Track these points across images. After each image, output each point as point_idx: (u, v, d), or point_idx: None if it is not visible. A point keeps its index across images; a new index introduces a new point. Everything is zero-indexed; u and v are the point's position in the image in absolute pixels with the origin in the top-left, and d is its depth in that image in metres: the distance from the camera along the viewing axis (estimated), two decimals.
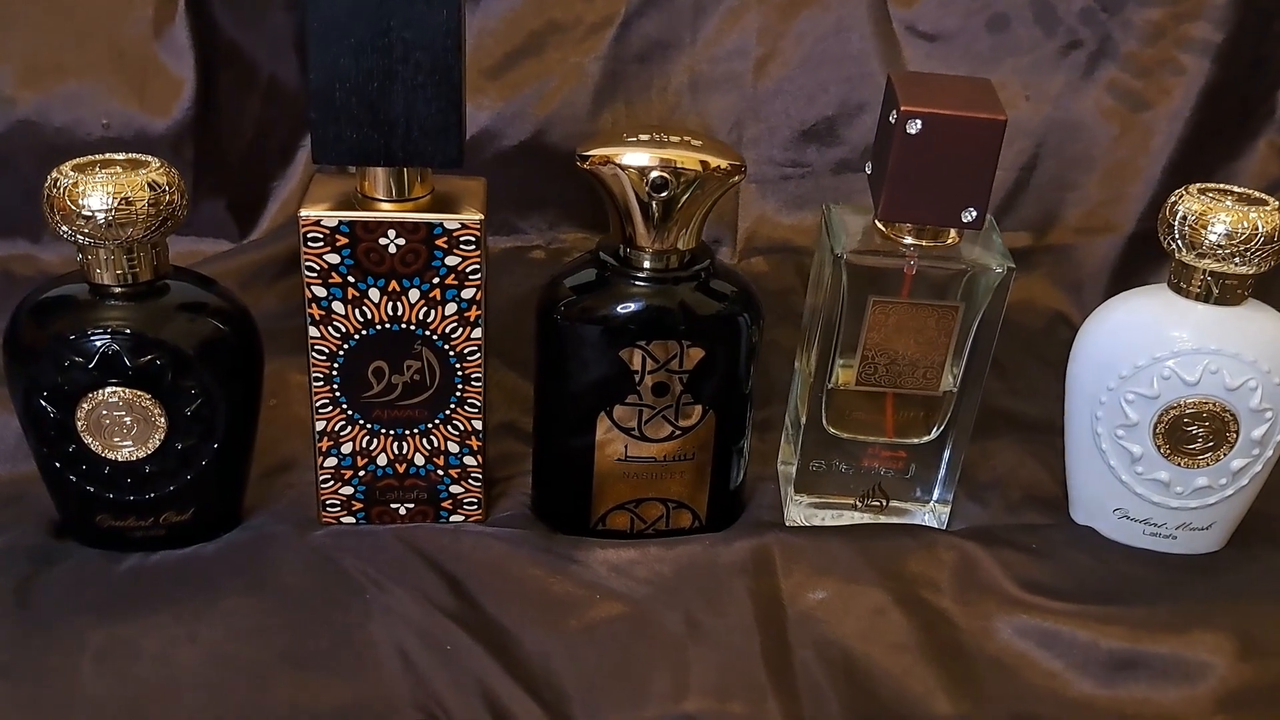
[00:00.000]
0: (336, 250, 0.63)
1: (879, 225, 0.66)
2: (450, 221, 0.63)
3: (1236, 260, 0.65)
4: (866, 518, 0.73)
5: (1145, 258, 0.93)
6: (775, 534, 0.66)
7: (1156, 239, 0.67)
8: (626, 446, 0.67)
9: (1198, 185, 0.68)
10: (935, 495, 0.73)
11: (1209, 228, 0.65)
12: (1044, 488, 0.76)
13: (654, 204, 0.62)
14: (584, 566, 0.64)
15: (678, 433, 0.67)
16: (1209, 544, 0.71)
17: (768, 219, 0.99)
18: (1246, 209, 0.65)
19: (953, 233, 0.65)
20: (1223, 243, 0.64)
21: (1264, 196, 0.67)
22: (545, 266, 0.98)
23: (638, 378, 0.65)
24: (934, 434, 0.71)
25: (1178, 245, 0.66)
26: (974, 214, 0.62)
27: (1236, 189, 0.67)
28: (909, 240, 0.65)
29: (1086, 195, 0.96)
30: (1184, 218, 0.66)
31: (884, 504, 0.72)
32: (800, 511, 0.73)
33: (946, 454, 0.72)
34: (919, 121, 0.61)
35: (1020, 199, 0.96)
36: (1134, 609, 0.62)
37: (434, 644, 0.59)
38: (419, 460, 0.69)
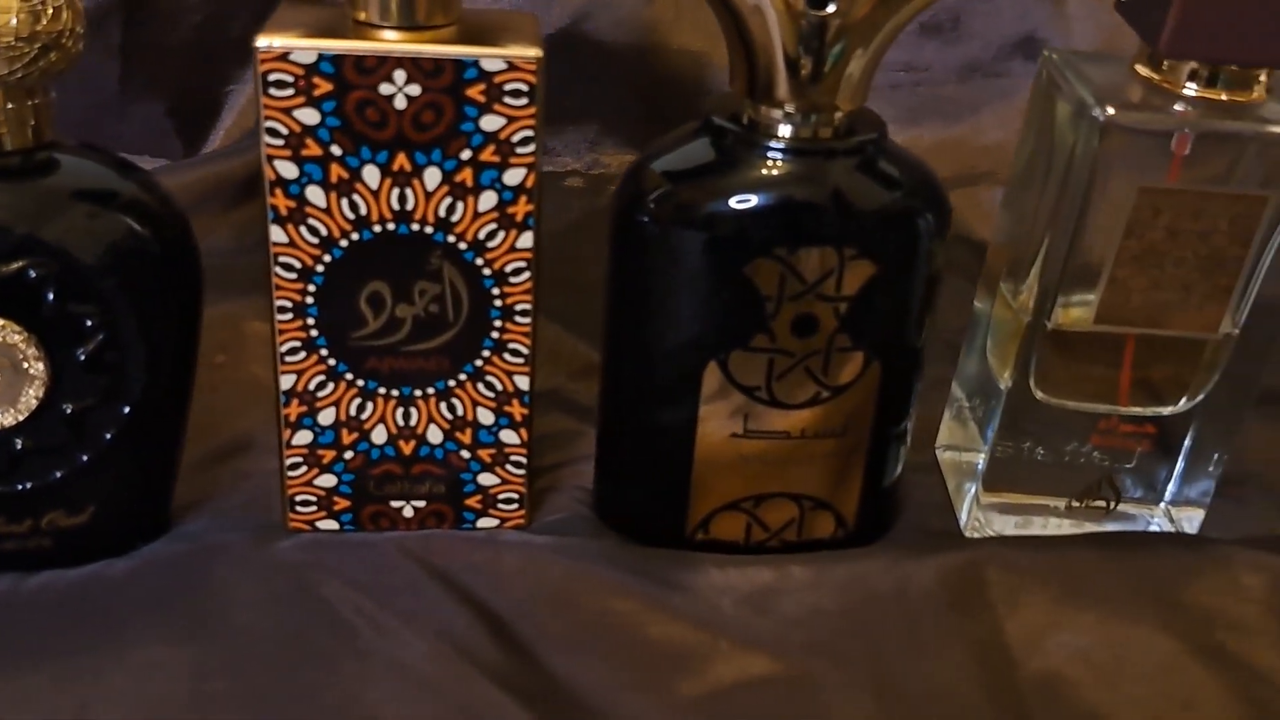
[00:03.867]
0: (314, 103, 0.40)
1: (1142, 71, 0.43)
2: (491, 59, 0.40)
3: None
4: (1088, 525, 0.50)
5: None
6: (982, 548, 0.44)
7: None
8: (747, 416, 0.45)
9: None
10: (1170, 493, 0.51)
11: None
12: None
13: (808, 25, 0.40)
14: (696, 597, 0.41)
15: (826, 395, 0.45)
16: None
17: None
18: None
19: (1258, 85, 0.43)
20: None
21: None
22: (585, 197, 0.75)
23: (772, 307, 0.43)
24: (1191, 400, 0.48)
25: None
26: None
27: None
28: (1191, 91, 0.42)
29: None
30: None
31: (1111, 504, 0.50)
32: (987, 518, 0.50)
33: (1192, 431, 0.49)
34: None
35: None
36: None
37: None
38: (434, 436, 0.46)
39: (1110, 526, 0.50)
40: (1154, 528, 0.51)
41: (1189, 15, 0.40)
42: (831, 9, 0.40)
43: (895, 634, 0.40)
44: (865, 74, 0.42)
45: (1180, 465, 0.50)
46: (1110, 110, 0.41)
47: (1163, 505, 0.51)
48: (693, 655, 0.39)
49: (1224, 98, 0.42)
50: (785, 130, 0.43)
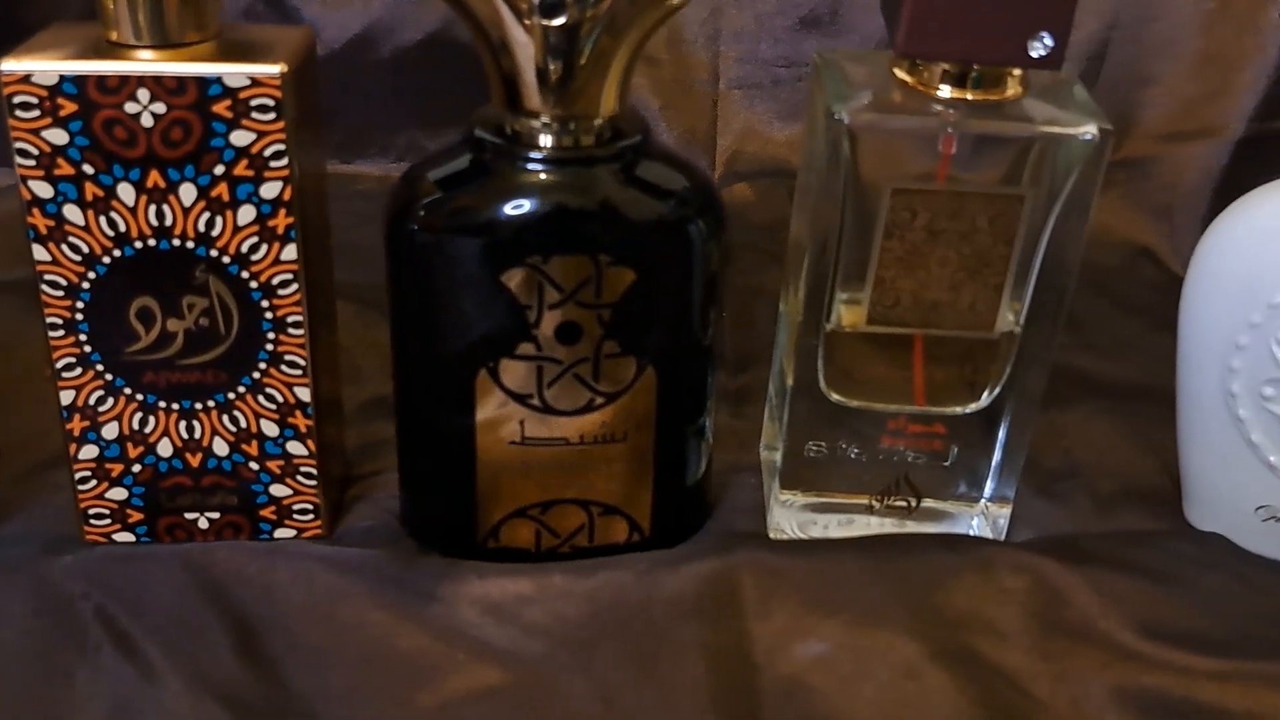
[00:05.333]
0: (61, 124, 0.41)
1: (898, 73, 0.43)
2: (233, 75, 0.41)
3: None
4: (889, 525, 0.50)
5: (1263, 167, 0.70)
6: (747, 552, 0.43)
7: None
8: (524, 423, 0.45)
9: None
10: (988, 491, 0.50)
11: None
12: (1147, 477, 0.53)
13: (547, 35, 0.40)
14: (449, 608, 0.41)
15: (600, 401, 0.45)
16: None
17: (755, 133, 0.76)
18: None
19: (1012, 83, 0.42)
20: None
21: None
22: None
23: (533, 315, 0.43)
24: (985, 400, 0.48)
25: None
26: (1048, 44, 0.40)
27: None
28: (945, 93, 0.42)
29: (1175, 90, 0.72)
30: None
31: (913, 504, 0.50)
32: (791, 517, 0.50)
33: (1003, 430, 0.49)
34: None
35: None
36: None
37: None
38: (220, 449, 0.47)
39: (922, 528, 0.50)
40: (973, 527, 0.51)
41: (922, 14, 0.39)
42: (561, 20, 0.39)
43: (634, 642, 0.40)
44: (619, 80, 0.42)
45: (996, 460, 0.50)
46: (847, 113, 0.41)
47: (981, 503, 0.51)
48: (432, 666, 0.39)
49: (969, 97, 0.41)
50: (546, 140, 0.43)
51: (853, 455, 0.50)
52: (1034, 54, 0.40)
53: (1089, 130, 0.41)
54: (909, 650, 0.39)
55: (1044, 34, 0.39)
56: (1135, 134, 0.73)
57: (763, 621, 0.40)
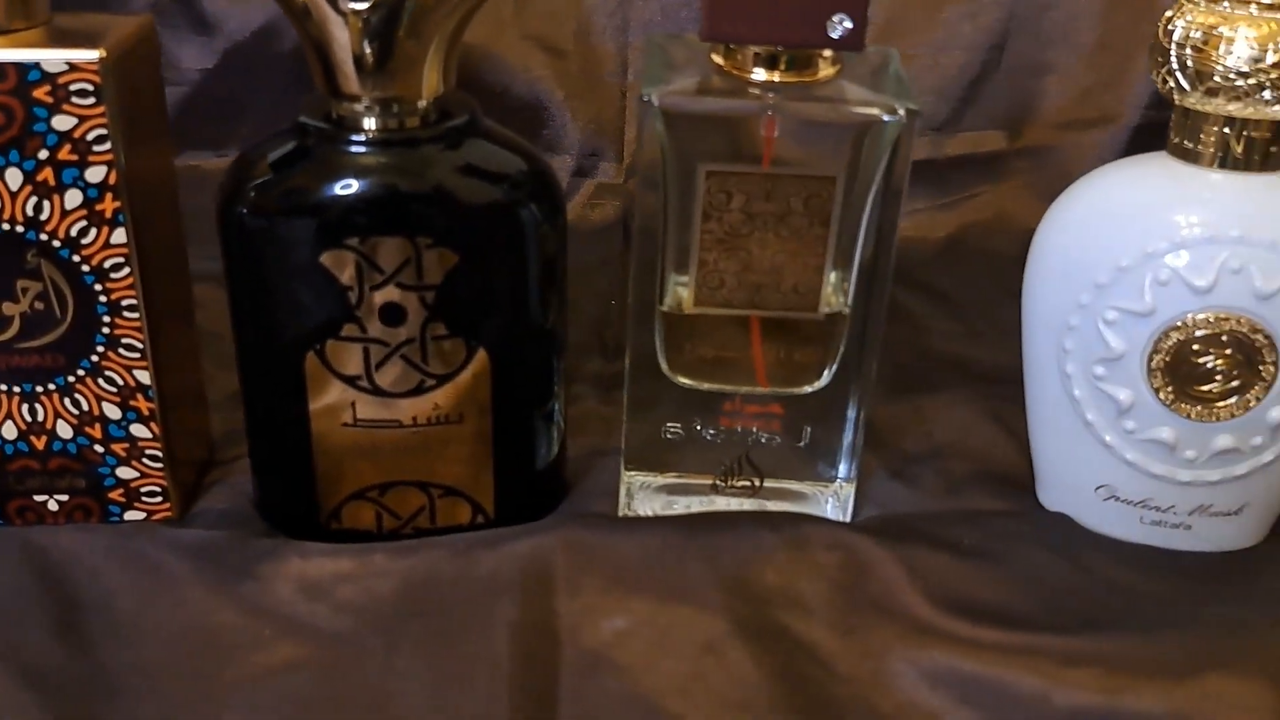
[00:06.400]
0: None
1: (715, 57, 0.43)
2: (51, 61, 0.41)
3: (1267, 96, 0.42)
4: (748, 504, 0.50)
5: None
6: (568, 530, 0.44)
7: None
8: (355, 404, 0.46)
9: None
10: (841, 471, 0.51)
11: (1223, 48, 0.42)
12: (1004, 460, 0.53)
13: (357, 21, 0.40)
14: (265, 585, 0.42)
15: (430, 383, 0.45)
16: (1242, 536, 0.48)
17: None
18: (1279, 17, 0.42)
19: (824, 64, 0.43)
20: (1246, 68, 0.42)
21: None
22: None
23: (354, 297, 0.43)
24: (825, 379, 0.48)
25: (1177, 81, 0.43)
26: (846, 25, 0.40)
27: None
28: (760, 75, 0.42)
29: (1072, 78, 0.72)
30: (1186, 37, 0.43)
31: (757, 484, 0.50)
32: (646, 499, 0.51)
33: (851, 411, 0.49)
34: None
35: (986, 88, 0.73)
36: (1117, 641, 0.39)
37: None
38: (64, 431, 0.47)
39: (787, 507, 0.50)
40: (827, 507, 0.51)
41: (720, 1, 0.39)
42: (364, 5, 0.40)
43: (442, 619, 0.40)
44: (440, 62, 0.43)
45: (847, 442, 0.50)
46: (656, 96, 0.41)
47: (837, 484, 0.51)
48: (239, 643, 0.40)
49: (776, 79, 0.42)
50: (370, 123, 0.43)
51: (708, 437, 0.50)
52: (834, 35, 0.40)
53: (895, 112, 0.42)
54: (712, 625, 0.40)
55: (841, 15, 0.40)
56: (1034, 123, 0.73)
57: (571, 599, 0.40)
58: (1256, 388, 0.45)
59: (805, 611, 0.41)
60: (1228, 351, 0.44)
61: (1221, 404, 0.45)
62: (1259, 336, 0.44)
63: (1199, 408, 0.45)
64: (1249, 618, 0.41)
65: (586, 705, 0.38)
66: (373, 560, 0.42)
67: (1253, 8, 0.43)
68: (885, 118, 0.41)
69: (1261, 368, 0.44)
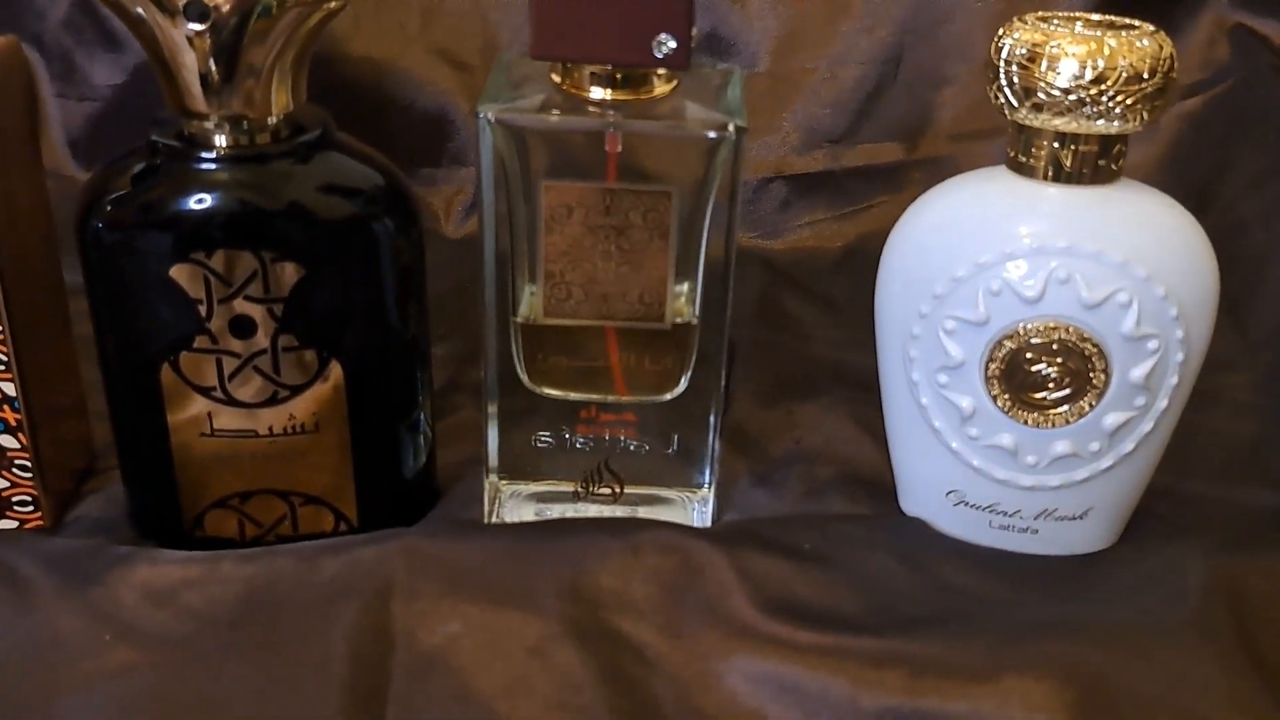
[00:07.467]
0: None
1: (553, 75, 0.45)
2: None
3: (1089, 111, 0.43)
4: (619, 511, 0.51)
5: None
6: (410, 538, 0.45)
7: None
8: (211, 415, 0.47)
9: (1037, 13, 0.46)
10: (705, 478, 0.52)
11: (1046, 65, 0.43)
12: (870, 466, 0.54)
13: (200, 41, 0.42)
14: (111, 592, 0.43)
15: (284, 394, 0.46)
16: (1090, 540, 0.50)
17: None
18: (1103, 36, 0.43)
19: (659, 82, 0.44)
20: (1068, 85, 0.43)
21: (1132, 20, 0.45)
22: None
23: (203, 309, 0.44)
24: (681, 387, 0.49)
25: (1006, 97, 0.44)
26: (670, 45, 0.41)
27: (1095, 15, 0.46)
28: (598, 94, 0.44)
29: (967, 90, 0.74)
30: (1013, 54, 0.44)
31: (617, 491, 0.51)
32: (516, 507, 0.52)
33: (711, 418, 0.50)
34: None
35: (884, 101, 0.75)
36: (930, 643, 0.40)
37: None
38: None
39: (657, 513, 0.51)
40: (695, 513, 0.52)
41: (545, 19, 0.41)
42: (203, 26, 0.41)
43: (280, 624, 0.41)
44: (288, 78, 0.44)
45: (710, 448, 0.51)
46: (490, 113, 0.42)
47: (704, 490, 0.52)
48: (79, 648, 0.40)
49: (609, 96, 0.43)
50: (220, 140, 0.44)
51: (578, 445, 0.51)
52: (659, 54, 0.41)
53: (718, 129, 0.43)
54: (542, 628, 0.41)
55: (666, 35, 0.41)
56: (929, 134, 0.75)
57: (408, 604, 0.41)
58: (1089, 395, 0.46)
59: (636, 614, 0.42)
60: (1059, 360, 0.45)
61: (1055, 411, 0.46)
62: (1088, 345, 0.45)
63: (1035, 414, 0.46)
64: (1068, 618, 0.42)
65: (415, 706, 0.39)
66: (220, 567, 0.43)
67: (1077, 25, 0.45)
68: (710, 134, 0.42)
69: (1093, 375, 0.45)
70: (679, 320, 0.47)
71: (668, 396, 0.49)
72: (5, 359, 0.47)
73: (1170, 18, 0.75)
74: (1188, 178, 0.72)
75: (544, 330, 0.48)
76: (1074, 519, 0.49)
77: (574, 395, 0.49)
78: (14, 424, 0.48)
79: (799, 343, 0.65)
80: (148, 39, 0.43)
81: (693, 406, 0.50)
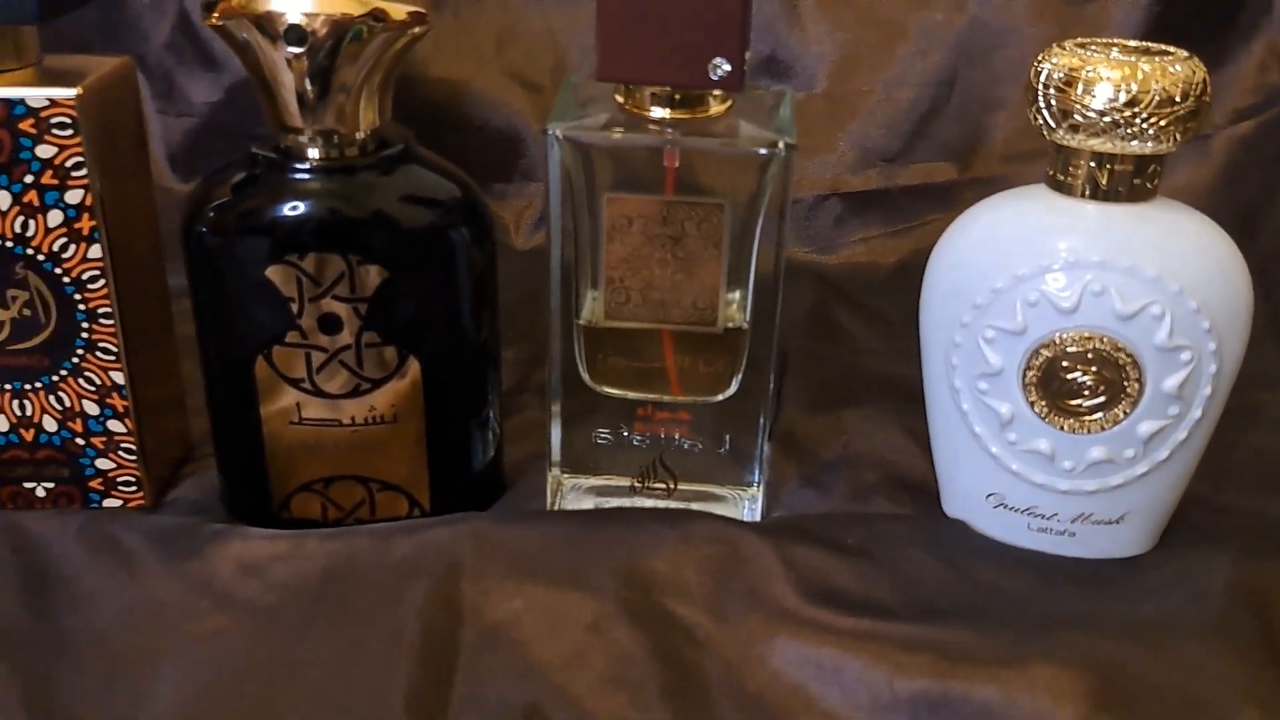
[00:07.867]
0: None
1: (617, 96, 0.48)
2: (35, 98, 0.47)
3: (1124, 133, 0.45)
4: (674, 506, 0.54)
5: None
6: (478, 523, 0.48)
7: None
8: (300, 405, 0.51)
9: (1076, 39, 0.49)
10: (755, 476, 0.55)
11: (1081, 88, 0.46)
12: (914, 471, 0.57)
13: (298, 64, 0.46)
14: (207, 564, 0.47)
15: (366, 386, 0.50)
16: (1127, 544, 0.52)
17: None
18: (1137, 61, 0.46)
19: (715, 102, 0.47)
20: (1103, 107, 0.45)
21: (1167, 47, 0.48)
22: None
23: (294, 307, 0.48)
24: (733, 389, 0.52)
25: (1044, 118, 0.47)
26: (725, 68, 0.44)
27: (1132, 42, 0.48)
28: (658, 113, 0.47)
29: (1018, 114, 0.76)
30: (1050, 78, 0.47)
31: (671, 487, 0.54)
32: (576, 499, 0.55)
33: (762, 420, 0.53)
34: None
35: (937, 122, 0.77)
36: (961, 632, 0.43)
37: None
38: (50, 425, 0.53)
39: (711, 508, 0.54)
40: (744, 510, 0.55)
41: (610, 46, 0.44)
42: (298, 50, 0.45)
43: (357, 597, 0.45)
44: (374, 98, 0.48)
45: (759, 451, 0.54)
46: (558, 130, 0.46)
47: (754, 489, 0.55)
48: (180, 613, 0.44)
49: (668, 115, 0.46)
50: (313, 153, 0.48)
51: (635, 442, 0.54)
52: (714, 76, 0.44)
53: (768, 146, 0.46)
54: (598, 607, 0.44)
55: (721, 59, 0.44)
56: (982, 154, 0.77)
57: (475, 582, 0.45)
58: (1123, 403, 0.48)
59: (687, 598, 0.45)
60: (1094, 368, 0.48)
61: (1090, 418, 0.48)
62: (1122, 354, 0.47)
63: (1071, 421, 0.49)
64: (1095, 614, 0.45)
65: (481, 675, 0.42)
66: (305, 544, 0.47)
67: (1113, 51, 0.47)
68: (761, 151, 0.46)
69: (1127, 384, 0.48)
70: (730, 325, 0.50)
71: (720, 397, 0.52)
72: (116, 350, 0.52)
73: (1223, 43, 0.76)
74: (1238, 200, 0.73)
75: (604, 333, 0.51)
76: (1110, 523, 0.51)
77: (632, 394, 0.53)
78: (121, 410, 0.53)
79: (850, 354, 0.67)
80: (250, 61, 0.47)
81: (743, 408, 0.53)
